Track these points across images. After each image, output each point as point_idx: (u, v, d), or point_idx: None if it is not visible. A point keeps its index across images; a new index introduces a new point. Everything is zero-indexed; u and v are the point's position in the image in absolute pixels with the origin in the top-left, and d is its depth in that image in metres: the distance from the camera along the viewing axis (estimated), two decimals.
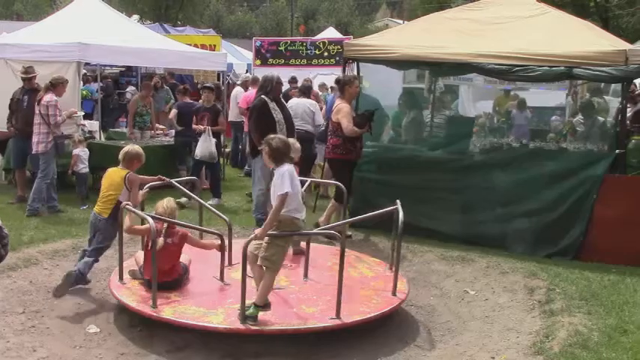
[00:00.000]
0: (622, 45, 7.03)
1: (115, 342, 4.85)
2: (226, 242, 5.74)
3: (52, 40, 10.03)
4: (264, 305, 4.68)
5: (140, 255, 5.51)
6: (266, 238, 4.66)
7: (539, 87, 12.89)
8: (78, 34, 10.04)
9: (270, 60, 16.95)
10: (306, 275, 5.69)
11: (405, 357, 4.76)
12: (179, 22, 35.96)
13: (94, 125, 10.93)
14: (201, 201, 6.59)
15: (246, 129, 10.12)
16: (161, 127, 11.54)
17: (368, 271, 5.93)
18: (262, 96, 7.38)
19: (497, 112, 12.57)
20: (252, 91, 11.10)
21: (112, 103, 15.27)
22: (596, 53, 6.65)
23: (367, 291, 5.39)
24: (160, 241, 5.16)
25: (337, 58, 15.56)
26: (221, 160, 10.57)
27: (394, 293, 5.23)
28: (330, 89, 14.98)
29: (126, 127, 11.57)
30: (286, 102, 8.52)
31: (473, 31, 7.67)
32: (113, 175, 5.62)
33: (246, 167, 11.39)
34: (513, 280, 6.13)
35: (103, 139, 10.99)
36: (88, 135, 9.87)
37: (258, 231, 4.67)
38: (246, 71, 18.49)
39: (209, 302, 5.04)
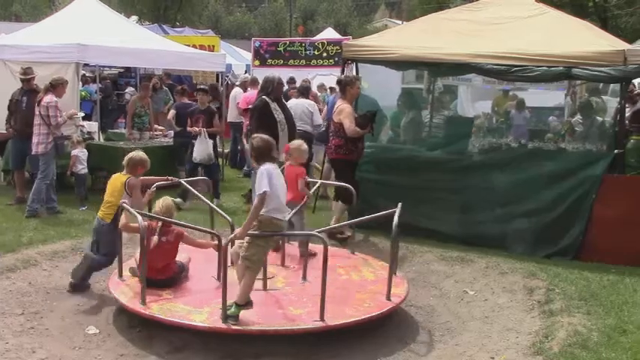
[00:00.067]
0: (621, 45, 7.04)
1: (114, 343, 4.84)
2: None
3: (51, 41, 10.03)
4: (246, 304, 4.67)
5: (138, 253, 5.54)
6: (247, 237, 4.66)
7: (537, 87, 12.91)
8: (77, 35, 10.03)
9: (269, 60, 16.95)
10: (304, 277, 5.69)
11: (404, 357, 4.76)
12: (178, 23, 35.93)
13: (92, 126, 10.94)
14: (207, 201, 6.58)
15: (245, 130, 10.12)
16: (160, 127, 11.54)
17: (370, 275, 5.90)
18: (264, 97, 7.43)
19: (496, 113, 12.57)
20: (251, 92, 11.10)
21: (111, 104, 15.26)
22: (594, 53, 6.65)
23: (363, 294, 5.36)
24: (155, 239, 5.20)
25: (336, 59, 15.57)
26: (220, 160, 10.59)
27: (388, 298, 5.20)
28: (329, 90, 14.98)
29: (125, 128, 11.58)
30: (285, 102, 8.53)
31: (472, 31, 7.68)
32: (115, 180, 5.71)
33: (245, 168, 11.39)
34: (513, 280, 6.13)
35: (101, 140, 10.99)
36: (86, 136, 9.87)
37: (238, 231, 4.67)
38: (245, 72, 18.45)
39: (198, 301, 5.06)
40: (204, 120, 9.21)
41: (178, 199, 8.25)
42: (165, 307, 4.91)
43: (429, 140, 8.78)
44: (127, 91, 15.54)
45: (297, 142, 6.38)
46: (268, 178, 4.57)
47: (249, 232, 4.63)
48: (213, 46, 17.57)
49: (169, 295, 5.17)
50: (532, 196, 7.04)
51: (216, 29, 38.61)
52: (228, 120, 12.35)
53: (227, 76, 16.45)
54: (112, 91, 15.83)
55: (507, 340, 4.86)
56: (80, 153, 8.79)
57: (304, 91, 10.01)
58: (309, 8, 52.19)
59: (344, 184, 6.69)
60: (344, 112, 7.35)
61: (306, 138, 8.85)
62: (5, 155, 9.61)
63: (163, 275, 5.28)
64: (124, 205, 5.26)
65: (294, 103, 9.42)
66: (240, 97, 11.86)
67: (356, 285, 5.61)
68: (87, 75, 14.71)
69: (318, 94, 13.57)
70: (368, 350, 4.81)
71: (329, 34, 21.99)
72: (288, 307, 5.04)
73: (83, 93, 13.12)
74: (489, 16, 7.86)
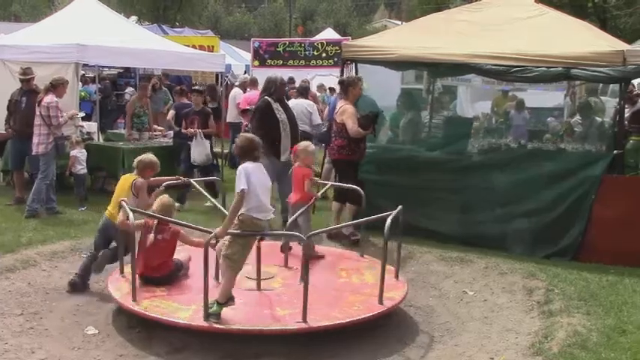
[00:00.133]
0: (620, 45, 7.05)
1: (113, 343, 4.84)
2: None
3: (50, 41, 10.01)
4: (227, 302, 4.68)
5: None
6: (228, 237, 4.66)
7: (537, 88, 12.91)
8: (76, 35, 10.01)
9: (268, 61, 16.96)
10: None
11: (403, 357, 4.76)
12: (177, 23, 35.92)
13: (92, 126, 10.94)
14: (214, 200, 6.55)
15: (243, 130, 10.11)
16: (159, 128, 11.53)
17: (371, 278, 5.76)
18: (266, 97, 7.46)
19: (496, 113, 12.57)
20: (251, 92, 11.11)
21: (111, 105, 15.27)
22: (593, 54, 6.65)
23: (357, 297, 5.30)
24: (150, 237, 5.25)
25: (335, 59, 15.58)
26: (220, 161, 10.58)
27: (380, 301, 5.15)
28: (328, 90, 14.97)
29: (124, 128, 11.56)
30: None
31: (471, 31, 7.68)
32: (124, 181, 5.79)
33: None
34: (512, 280, 6.13)
35: (101, 140, 10.99)
36: (86, 136, 9.86)
37: (218, 230, 4.67)
38: (245, 72, 18.48)
39: (188, 299, 5.07)
40: (199, 121, 9.19)
41: (177, 204, 8.22)
42: (154, 304, 4.94)
43: (428, 140, 8.78)
44: (126, 91, 15.55)
45: (304, 144, 6.35)
46: (246, 176, 4.57)
47: (229, 230, 4.64)
48: (213, 47, 17.58)
49: (163, 292, 5.21)
50: (531, 196, 7.04)
51: (216, 29, 38.59)
52: (227, 120, 12.33)
53: (226, 77, 16.45)
54: (111, 92, 15.83)
55: (507, 341, 4.86)
56: (79, 153, 8.79)
57: (303, 92, 10.00)
58: (308, 8, 52.17)
59: (352, 185, 6.66)
60: (346, 113, 7.35)
61: (305, 138, 8.85)
62: (4, 155, 9.60)
63: (159, 273, 5.34)
64: (122, 202, 5.31)
65: (294, 104, 9.38)
66: (239, 98, 11.86)
67: (354, 288, 5.57)
68: (86, 75, 14.72)
69: (318, 94, 13.59)
70: (367, 350, 4.81)
71: (328, 34, 22.03)
72: (276, 307, 5.04)
73: (82, 93, 13.13)
74: (489, 16, 7.87)
